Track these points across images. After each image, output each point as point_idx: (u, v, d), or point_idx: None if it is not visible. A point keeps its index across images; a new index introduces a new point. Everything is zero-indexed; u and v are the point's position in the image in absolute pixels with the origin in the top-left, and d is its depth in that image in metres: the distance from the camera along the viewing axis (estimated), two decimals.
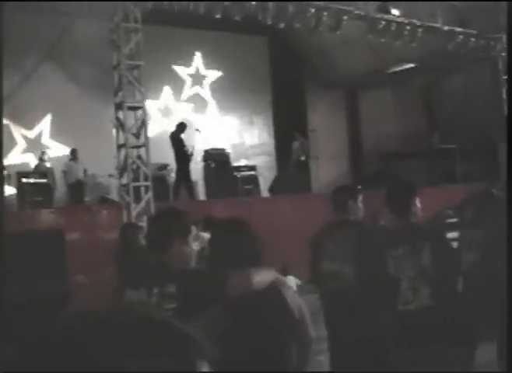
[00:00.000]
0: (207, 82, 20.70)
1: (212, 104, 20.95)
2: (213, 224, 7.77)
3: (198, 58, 20.40)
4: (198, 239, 4.00)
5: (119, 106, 11.77)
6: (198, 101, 20.63)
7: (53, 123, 17.77)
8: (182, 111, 20.06)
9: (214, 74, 20.54)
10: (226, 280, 3.57)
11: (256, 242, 3.97)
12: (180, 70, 20.31)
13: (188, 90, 20.56)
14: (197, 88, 20.72)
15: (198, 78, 20.61)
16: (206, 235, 5.54)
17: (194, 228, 3.85)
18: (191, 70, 20.54)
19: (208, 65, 20.14)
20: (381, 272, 5.24)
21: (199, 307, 3.47)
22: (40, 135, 18.04)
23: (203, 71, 20.56)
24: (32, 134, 18.00)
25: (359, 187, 6.43)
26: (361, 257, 5.55)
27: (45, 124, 18.01)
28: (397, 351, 5.19)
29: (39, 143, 17.90)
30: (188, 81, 20.54)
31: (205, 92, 20.83)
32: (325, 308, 5.92)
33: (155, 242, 3.85)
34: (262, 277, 3.73)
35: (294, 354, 3.85)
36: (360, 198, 6.13)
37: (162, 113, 19.77)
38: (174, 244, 3.69)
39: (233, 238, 3.92)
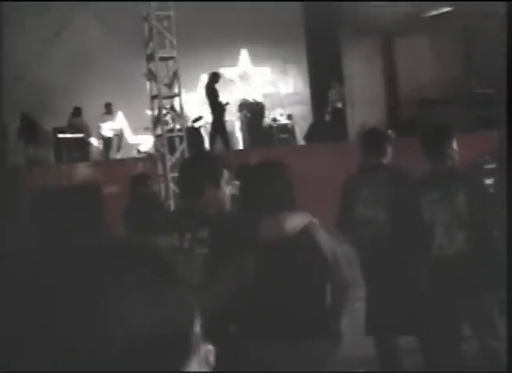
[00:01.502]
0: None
1: (244, 55, 20.73)
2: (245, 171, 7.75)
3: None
4: (231, 184, 3.94)
5: (150, 58, 11.71)
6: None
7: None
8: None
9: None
10: (259, 224, 3.53)
11: (289, 184, 3.91)
12: None
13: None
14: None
15: None
16: (237, 183, 5.50)
17: (226, 172, 3.80)
18: None
19: (241, 15, 19.76)
20: (415, 217, 5.16)
21: (231, 251, 3.44)
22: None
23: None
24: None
25: (390, 132, 6.32)
26: (395, 201, 5.47)
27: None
28: (433, 297, 5.15)
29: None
30: None
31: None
32: (359, 254, 5.86)
33: (187, 187, 3.80)
34: (295, 220, 3.68)
35: (329, 298, 3.82)
36: (391, 143, 6.03)
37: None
38: (206, 189, 3.64)
39: (266, 180, 3.86)
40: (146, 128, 16.39)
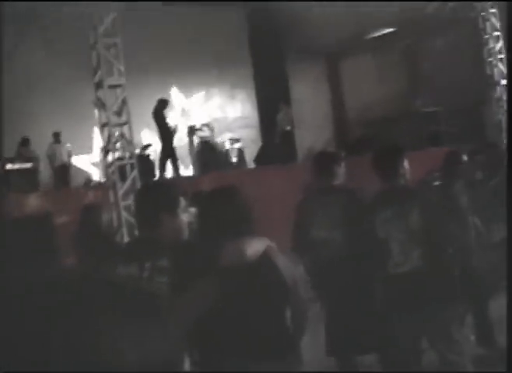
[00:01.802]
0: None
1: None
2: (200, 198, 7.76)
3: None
4: (187, 211, 3.94)
5: (99, 85, 11.63)
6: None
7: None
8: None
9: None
10: (219, 251, 3.54)
11: (246, 209, 3.94)
12: None
13: None
14: None
15: None
16: (193, 210, 5.51)
17: (182, 200, 3.80)
18: None
19: (187, 41, 19.75)
20: (370, 235, 5.23)
21: (192, 279, 3.45)
22: None
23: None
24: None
25: (342, 153, 6.41)
26: (349, 222, 5.54)
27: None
28: (391, 314, 5.21)
29: None
30: None
31: None
32: (315, 275, 5.90)
33: (143, 217, 3.80)
34: (255, 246, 3.71)
35: (289, 320, 3.84)
36: (343, 164, 6.11)
37: None
38: (163, 218, 3.65)
39: (223, 207, 3.88)
40: (94, 156, 16.38)
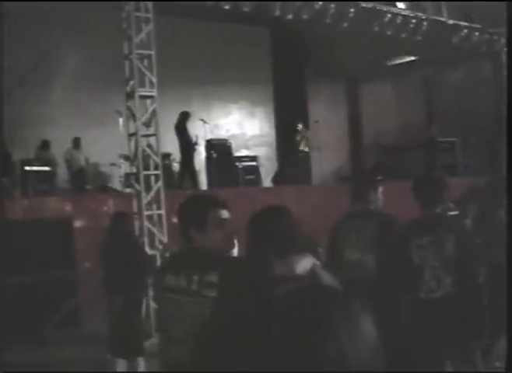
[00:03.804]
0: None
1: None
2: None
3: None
4: (223, 225, 3.93)
5: (130, 95, 11.72)
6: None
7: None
8: None
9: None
10: (271, 268, 3.59)
11: (296, 228, 4.01)
12: None
13: None
14: None
15: None
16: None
17: (215, 214, 3.77)
18: None
19: (211, 57, 19.88)
20: (405, 260, 5.33)
21: (242, 296, 3.50)
22: None
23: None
24: None
25: (380, 178, 6.40)
26: (385, 245, 5.61)
27: None
28: (419, 339, 5.29)
29: None
30: None
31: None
32: None
33: (181, 232, 3.85)
34: (304, 263, 3.78)
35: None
36: (380, 189, 6.17)
37: None
38: (192, 235, 3.71)
39: (276, 225, 3.94)
40: (112, 164, 16.43)
